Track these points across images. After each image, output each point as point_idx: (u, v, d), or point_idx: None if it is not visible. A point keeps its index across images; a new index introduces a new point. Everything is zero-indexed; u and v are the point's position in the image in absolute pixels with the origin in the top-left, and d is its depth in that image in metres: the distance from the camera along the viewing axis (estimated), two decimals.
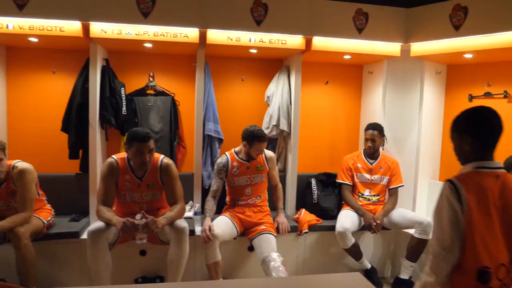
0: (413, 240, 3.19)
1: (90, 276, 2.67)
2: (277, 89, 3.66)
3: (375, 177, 3.46)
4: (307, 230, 3.27)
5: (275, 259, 2.79)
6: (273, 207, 3.31)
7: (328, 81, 4.04)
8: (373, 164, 3.48)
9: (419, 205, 3.72)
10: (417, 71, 3.61)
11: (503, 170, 1.60)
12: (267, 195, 3.30)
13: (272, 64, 3.89)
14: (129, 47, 3.46)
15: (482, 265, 1.48)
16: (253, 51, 3.42)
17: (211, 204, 3.10)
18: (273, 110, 3.63)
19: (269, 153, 3.25)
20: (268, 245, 2.90)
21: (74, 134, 3.33)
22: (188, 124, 3.76)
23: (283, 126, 3.58)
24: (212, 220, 2.97)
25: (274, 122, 3.60)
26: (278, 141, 3.79)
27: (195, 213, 3.43)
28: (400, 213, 3.31)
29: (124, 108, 3.43)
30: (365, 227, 3.24)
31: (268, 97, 3.73)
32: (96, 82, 3.23)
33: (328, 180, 3.71)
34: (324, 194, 3.59)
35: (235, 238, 3.08)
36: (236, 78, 3.90)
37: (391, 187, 3.45)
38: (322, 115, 4.07)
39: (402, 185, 3.46)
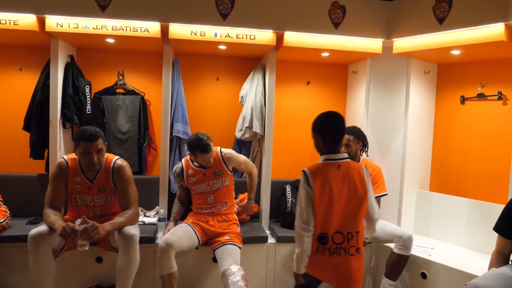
0: (393, 255, 2.89)
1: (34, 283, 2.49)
2: (251, 89, 3.43)
3: None
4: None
5: (235, 272, 2.53)
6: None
7: (310, 81, 3.79)
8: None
9: (406, 217, 3.40)
10: (403, 70, 3.31)
11: (346, 160, 2.05)
12: (234, 200, 3.08)
13: (248, 62, 3.67)
14: (94, 43, 3.31)
15: (321, 232, 1.99)
16: (222, 47, 3.21)
17: (176, 208, 2.93)
18: (246, 111, 3.40)
19: (226, 152, 2.96)
20: (230, 257, 2.64)
21: (35, 133, 3.19)
22: (159, 125, 3.56)
23: (256, 128, 3.34)
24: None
25: (247, 124, 3.37)
26: (253, 144, 3.56)
27: (159, 219, 3.22)
28: (379, 225, 3.01)
29: (88, 107, 3.28)
30: None
31: (242, 97, 3.51)
32: (57, 78, 3.09)
33: None
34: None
35: (197, 248, 2.85)
36: (211, 77, 3.70)
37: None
38: (303, 117, 3.79)
39: (385, 194, 3.15)
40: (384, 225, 2.99)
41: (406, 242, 2.83)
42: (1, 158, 3.34)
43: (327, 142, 2.04)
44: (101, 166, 2.61)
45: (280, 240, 3.06)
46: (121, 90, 3.52)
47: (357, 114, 3.57)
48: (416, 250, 2.97)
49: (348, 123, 3.67)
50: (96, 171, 2.60)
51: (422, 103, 3.42)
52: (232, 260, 2.61)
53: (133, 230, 2.49)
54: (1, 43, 3.35)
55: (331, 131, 2.04)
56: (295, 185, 3.43)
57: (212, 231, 2.85)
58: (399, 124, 3.37)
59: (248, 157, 3.52)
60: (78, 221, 2.32)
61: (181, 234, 2.70)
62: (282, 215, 3.30)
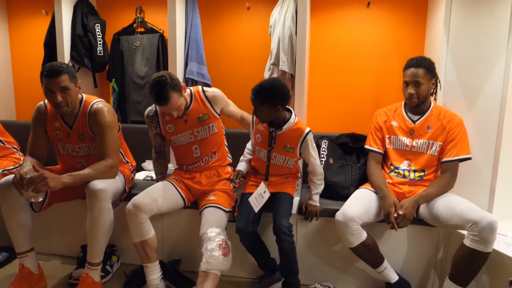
0: (463, 250, 1.90)
1: None
2: (280, 15, 2.62)
3: (419, 142, 2.18)
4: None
5: (211, 238, 1.97)
6: None
7: (370, 2, 2.77)
8: (416, 122, 2.20)
9: (501, 196, 2.26)
10: None
11: None
12: (226, 148, 2.42)
13: None
14: None
15: None
16: None
17: (158, 165, 2.41)
18: (273, 44, 2.63)
19: (210, 92, 2.27)
20: (209, 222, 2.07)
21: None
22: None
23: (283, 65, 2.55)
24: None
25: (272, 60, 2.61)
26: None
27: None
28: (447, 202, 2.01)
29: (100, 48, 2.95)
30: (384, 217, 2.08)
31: (270, 27, 2.73)
32: (62, 18, 2.80)
33: (354, 145, 2.56)
34: (339, 164, 2.48)
35: (186, 207, 2.32)
36: (239, 6, 2.98)
37: (445, 159, 2.12)
38: (359, 52, 2.86)
39: (468, 158, 2.10)
40: (454, 203, 1.98)
41: (483, 231, 1.80)
42: (24, 106, 3.27)
43: None
44: (79, 110, 2.24)
45: (300, 212, 2.31)
46: (141, 29, 3.09)
47: (433, 42, 2.48)
48: (504, 244, 1.91)
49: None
50: (74, 116, 2.24)
51: None
52: (211, 222, 2.05)
53: (100, 185, 2.07)
54: None
55: None
56: (337, 141, 2.58)
57: (196, 189, 2.28)
58: (496, 56, 2.18)
59: None
60: (26, 168, 2.00)
61: (158, 194, 2.18)
62: None
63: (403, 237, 2.23)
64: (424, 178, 2.19)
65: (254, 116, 2.15)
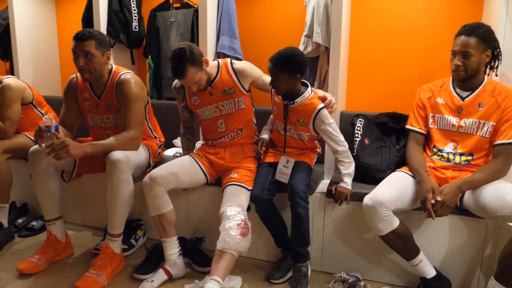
0: (510, 246, 1.63)
1: None
2: None
3: (468, 121, 1.91)
4: None
5: (229, 217, 1.90)
6: None
7: None
8: (466, 99, 1.93)
9: None
10: None
11: None
12: (254, 126, 2.29)
13: None
14: None
15: None
16: None
17: (186, 140, 2.35)
18: (308, 15, 2.44)
19: (238, 64, 2.15)
20: (229, 200, 1.99)
21: None
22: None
23: (317, 37, 2.36)
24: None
25: (306, 32, 2.42)
26: (320, 61, 2.57)
27: None
28: (496, 190, 1.73)
29: (135, 24, 2.94)
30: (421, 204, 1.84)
31: None
32: None
33: (395, 125, 2.32)
34: (376, 145, 2.25)
35: (209, 184, 2.25)
36: None
37: (498, 141, 1.83)
38: (406, 24, 2.58)
39: None
40: (504, 191, 1.71)
41: None
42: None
43: None
44: (108, 80, 2.25)
45: (330, 194, 2.13)
46: (177, 5, 3.03)
47: (492, 7, 2.16)
48: None
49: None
50: (103, 86, 2.25)
51: None
52: (231, 201, 1.97)
53: (119, 155, 2.04)
54: None
55: None
56: (375, 120, 2.35)
57: (220, 165, 2.19)
58: None
59: (313, 80, 2.59)
60: (46, 117, 2.01)
61: (177, 168, 2.12)
62: None
63: (444, 228, 1.97)
64: (471, 162, 1.92)
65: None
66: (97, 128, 2.38)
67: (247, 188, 2.03)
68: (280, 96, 2.05)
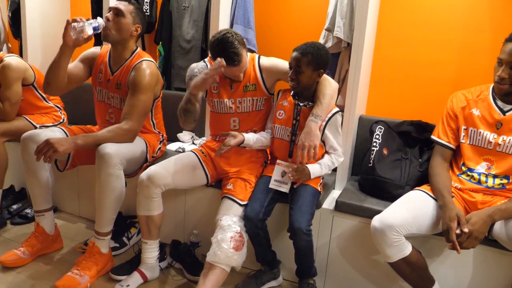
0: None
1: None
2: None
3: (507, 139, 1.64)
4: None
5: (223, 226, 1.73)
6: None
7: None
8: (507, 114, 1.65)
9: None
10: None
11: None
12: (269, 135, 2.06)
13: None
14: None
15: None
16: None
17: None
18: (331, 6, 2.19)
19: (265, 60, 1.96)
20: (224, 208, 1.82)
21: None
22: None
23: (338, 31, 2.12)
24: None
25: (327, 25, 2.18)
26: (340, 58, 2.31)
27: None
28: None
29: (146, 7, 2.80)
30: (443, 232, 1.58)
31: None
32: None
33: (419, 136, 2.06)
34: (395, 156, 1.99)
35: (209, 185, 2.07)
36: None
37: None
38: (440, 21, 2.29)
39: None
40: None
41: None
42: None
43: None
44: (127, 60, 2.14)
45: (338, 207, 1.90)
46: None
47: None
48: None
49: None
50: (120, 63, 2.14)
51: None
52: (225, 209, 1.81)
53: (110, 148, 1.89)
54: None
55: None
56: (398, 129, 2.09)
57: (222, 169, 2.01)
58: None
59: (332, 78, 2.34)
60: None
61: (178, 168, 1.94)
62: (362, 171, 2.07)
63: (467, 260, 1.72)
64: (506, 187, 1.66)
65: (280, 92, 1.95)
66: (102, 104, 2.26)
67: (239, 204, 1.82)
68: (290, 98, 1.86)
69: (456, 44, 2.28)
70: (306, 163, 1.77)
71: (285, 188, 1.83)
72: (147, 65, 2.08)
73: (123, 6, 2.05)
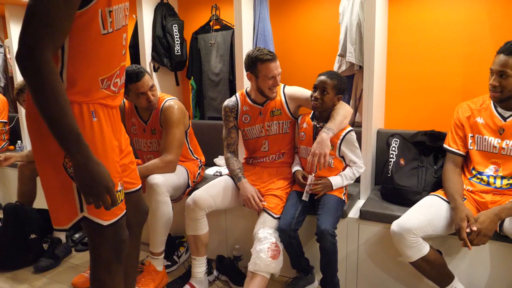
0: None
1: None
2: (349, 1, 2.40)
3: (510, 143, 1.81)
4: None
5: (260, 238, 1.97)
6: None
7: None
8: (508, 120, 1.83)
9: None
10: None
11: None
12: (294, 154, 2.32)
13: None
14: None
15: None
16: None
17: (234, 163, 2.28)
18: (342, 34, 2.42)
19: (290, 88, 2.25)
20: (261, 221, 2.07)
21: None
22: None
23: (350, 56, 2.34)
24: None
25: (339, 51, 2.41)
26: (355, 80, 2.53)
27: None
28: None
29: (177, 48, 3.08)
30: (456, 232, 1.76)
31: (340, 14, 2.51)
32: (143, 20, 2.99)
33: (433, 144, 2.23)
34: (412, 165, 2.17)
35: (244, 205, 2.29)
36: None
37: None
38: (446, 35, 2.46)
39: None
40: None
41: None
42: None
43: None
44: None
45: (363, 216, 2.11)
46: (217, 27, 3.14)
47: None
48: None
49: None
50: (150, 112, 2.41)
51: None
52: (261, 223, 2.06)
53: (157, 179, 2.19)
54: None
55: None
56: (413, 139, 2.27)
57: (256, 188, 2.23)
58: None
59: (349, 98, 2.56)
60: None
61: (218, 191, 2.21)
62: (382, 180, 2.26)
63: (484, 256, 1.88)
64: None
65: (300, 117, 2.22)
66: (139, 152, 2.54)
67: (273, 217, 2.07)
68: (308, 119, 2.12)
69: (462, 56, 2.44)
70: (318, 171, 2.03)
71: (304, 196, 2.08)
72: (174, 103, 2.38)
73: (148, 80, 2.25)
